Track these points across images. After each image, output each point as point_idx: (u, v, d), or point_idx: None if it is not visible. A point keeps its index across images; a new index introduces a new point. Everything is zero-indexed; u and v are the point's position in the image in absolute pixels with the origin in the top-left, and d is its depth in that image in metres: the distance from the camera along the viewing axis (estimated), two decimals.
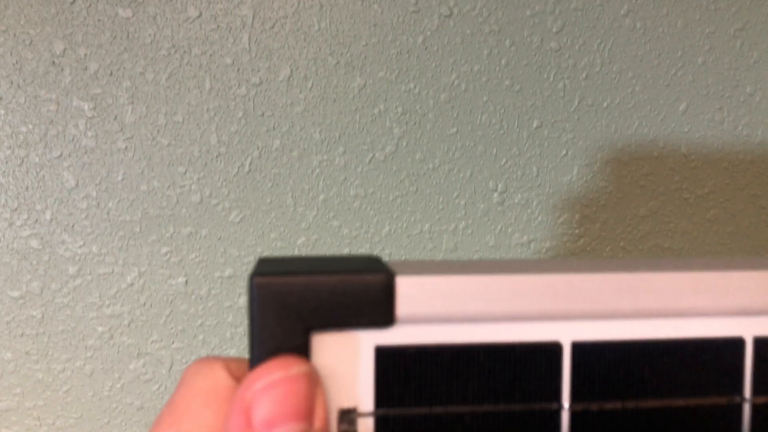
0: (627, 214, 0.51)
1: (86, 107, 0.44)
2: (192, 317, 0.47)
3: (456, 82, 0.48)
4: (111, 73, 0.44)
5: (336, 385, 0.18)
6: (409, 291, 0.18)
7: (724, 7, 0.50)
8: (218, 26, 0.45)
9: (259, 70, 0.46)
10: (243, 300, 0.47)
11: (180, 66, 0.45)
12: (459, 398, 0.18)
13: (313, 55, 0.46)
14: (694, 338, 0.19)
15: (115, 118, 0.45)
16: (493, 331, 0.18)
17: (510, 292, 0.18)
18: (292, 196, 0.47)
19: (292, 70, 0.46)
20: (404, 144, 0.48)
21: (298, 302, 0.17)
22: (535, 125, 0.49)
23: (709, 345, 0.19)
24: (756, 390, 0.19)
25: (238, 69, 0.46)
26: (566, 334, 0.19)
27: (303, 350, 0.18)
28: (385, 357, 0.18)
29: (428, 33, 0.47)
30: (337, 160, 0.47)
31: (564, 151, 0.50)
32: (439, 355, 0.18)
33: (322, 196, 0.47)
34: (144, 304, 0.46)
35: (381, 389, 0.18)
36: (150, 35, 0.44)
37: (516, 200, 0.49)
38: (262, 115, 0.46)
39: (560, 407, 0.19)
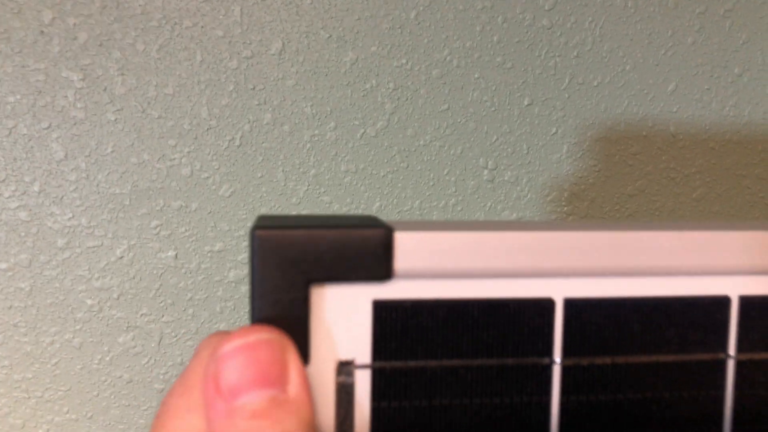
0: (615, 192, 0.52)
1: (75, 78, 0.44)
2: (182, 291, 0.47)
3: (448, 58, 0.48)
4: (101, 44, 0.44)
5: (334, 337, 0.18)
6: (407, 246, 0.18)
7: None
8: None
9: (250, 43, 0.46)
10: (233, 274, 0.47)
11: (171, 38, 0.45)
12: (454, 352, 0.19)
13: (305, 29, 0.46)
14: (682, 296, 0.20)
15: (105, 89, 0.44)
16: (488, 286, 0.19)
17: (505, 248, 0.18)
18: (282, 171, 0.47)
19: (283, 44, 0.46)
20: (396, 120, 0.48)
21: (299, 255, 0.18)
22: (526, 103, 0.49)
23: (696, 303, 0.20)
24: (740, 347, 0.20)
25: (230, 42, 0.45)
26: (559, 290, 0.19)
27: (303, 303, 0.18)
28: (382, 311, 0.18)
29: (421, 8, 0.47)
30: (329, 134, 0.47)
31: (554, 129, 0.50)
32: (435, 310, 0.19)
33: (313, 171, 0.47)
34: (133, 278, 0.46)
35: (378, 342, 0.19)
36: (140, 5, 0.44)
37: (506, 177, 0.50)
38: (254, 88, 0.46)
39: (552, 362, 0.19)
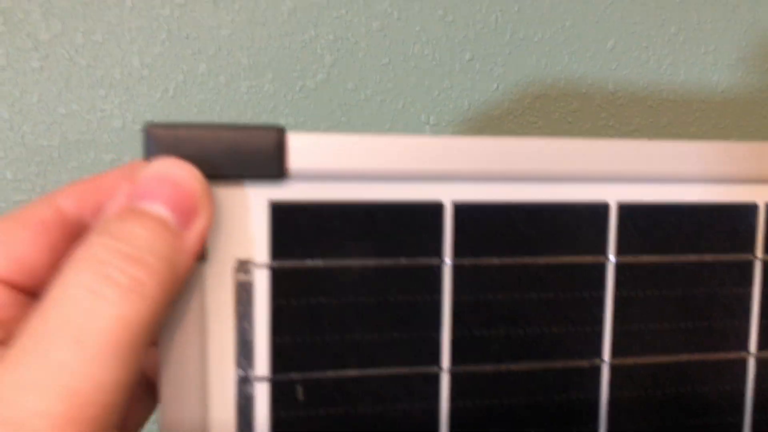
0: None
1: None
2: None
3: (389, 10, 0.47)
4: None
5: (232, 236, 0.19)
6: (300, 146, 0.19)
7: None
8: None
9: None
10: None
11: None
12: (349, 252, 0.19)
13: None
14: (564, 202, 0.20)
15: (28, 35, 0.42)
16: (381, 189, 0.19)
17: (396, 151, 0.19)
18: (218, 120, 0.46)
19: None
20: (335, 72, 0.47)
21: (191, 153, 0.18)
22: (467, 57, 0.49)
23: (577, 208, 0.20)
24: (619, 250, 0.21)
25: None
26: (448, 194, 0.20)
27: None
28: (278, 211, 0.19)
29: None
30: (266, 86, 0.46)
31: (495, 85, 0.50)
32: (331, 211, 0.19)
33: None
34: None
35: (276, 242, 0.19)
36: None
37: (447, 133, 0.50)
38: (187, 37, 0.44)
39: (442, 262, 0.20)
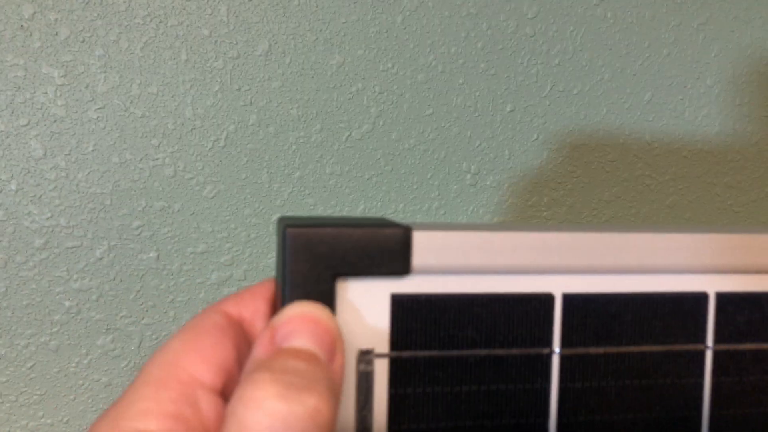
0: (593, 198, 0.53)
1: (56, 74, 0.43)
2: (163, 293, 0.46)
3: (433, 63, 0.48)
4: (83, 40, 0.43)
5: (356, 328, 0.20)
6: (424, 243, 0.20)
7: (689, 1, 0.52)
8: None
9: (236, 44, 0.45)
10: (215, 276, 0.47)
11: (155, 36, 0.44)
12: (463, 342, 0.20)
13: (292, 31, 0.46)
14: (666, 292, 0.21)
15: (87, 86, 0.44)
16: (495, 282, 0.20)
17: (511, 246, 0.20)
18: (267, 173, 0.47)
19: (270, 45, 0.46)
20: (381, 123, 0.48)
21: (327, 251, 0.19)
22: (508, 109, 0.50)
23: (677, 298, 0.21)
24: (717, 338, 0.22)
25: (215, 41, 0.45)
26: (558, 286, 0.21)
27: (329, 295, 0.19)
28: (400, 303, 0.20)
29: (407, 13, 0.47)
30: (314, 137, 0.47)
31: (535, 136, 0.51)
32: (448, 303, 0.20)
33: (297, 173, 0.47)
34: (113, 279, 0.46)
35: (396, 333, 0.20)
36: (125, 2, 0.43)
37: (488, 182, 0.50)
38: (239, 89, 0.46)
39: (551, 352, 0.21)
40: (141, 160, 0.45)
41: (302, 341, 0.18)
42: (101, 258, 0.45)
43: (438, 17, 0.48)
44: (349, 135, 0.48)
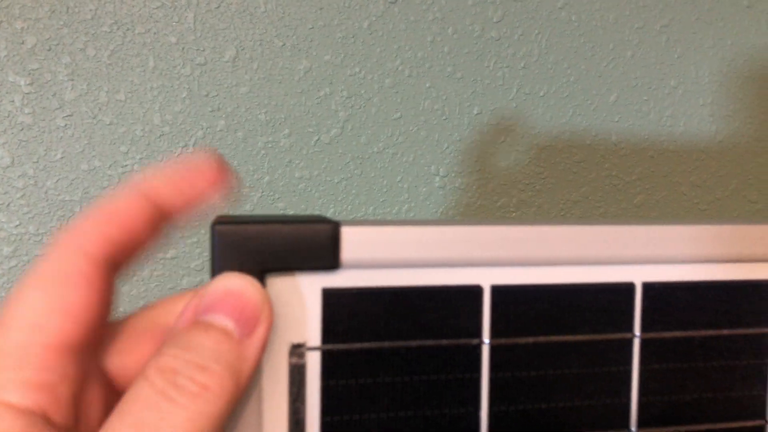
0: (560, 198, 0.54)
1: (23, 82, 0.43)
2: (134, 299, 0.47)
3: (400, 67, 0.49)
4: (49, 48, 0.43)
5: (287, 322, 0.20)
6: (352, 239, 0.20)
7: (652, 4, 0.53)
8: (163, 4, 0.45)
9: (204, 50, 0.46)
10: (186, 281, 0.47)
11: (123, 43, 0.44)
12: (395, 335, 0.21)
13: (259, 37, 0.46)
14: (593, 282, 0.22)
15: (54, 94, 0.44)
16: (425, 275, 0.21)
17: (439, 240, 0.21)
18: (236, 177, 0.47)
19: (237, 51, 0.46)
20: (349, 127, 0.49)
21: (255, 247, 0.19)
22: (475, 112, 0.51)
23: (604, 289, 0.22)
24: (645, 327, 0.22)
25: (183, 48, 0.45)
26: (487, 278, 0.21)
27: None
28: (331, 297, 0.20)
29: (373, 18, 0.48)
30: (282, 141, 0.48)
31: (502, 138, 0.52)
32: (378, 297, 0.21)
33: (267, 178, 0.48)
34: None
35: (327, 326, 0.20)
36: (91, 11, 0.44)
37: (457, 184, 0.51)
38: (207, 95, 0.46)
39: (481, 342, 0.21)
40: (110, 166, 0.45)
41: (219, 316, 0.18)
42: None
43: (404, 22, 0.48)
44: (317, 139, 0.48)
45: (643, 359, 0.22)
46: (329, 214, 0.49)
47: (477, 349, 0.21)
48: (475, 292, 0.21)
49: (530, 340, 0.22)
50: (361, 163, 0.49)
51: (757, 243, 0.22)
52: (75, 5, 0.43)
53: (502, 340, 0.21)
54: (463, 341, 0.21)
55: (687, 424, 0.23)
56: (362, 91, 0.48)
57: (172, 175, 0.20)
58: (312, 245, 0.20)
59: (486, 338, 0.21)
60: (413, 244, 0.20)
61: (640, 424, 0.22)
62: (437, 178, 0.51)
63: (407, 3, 0.48)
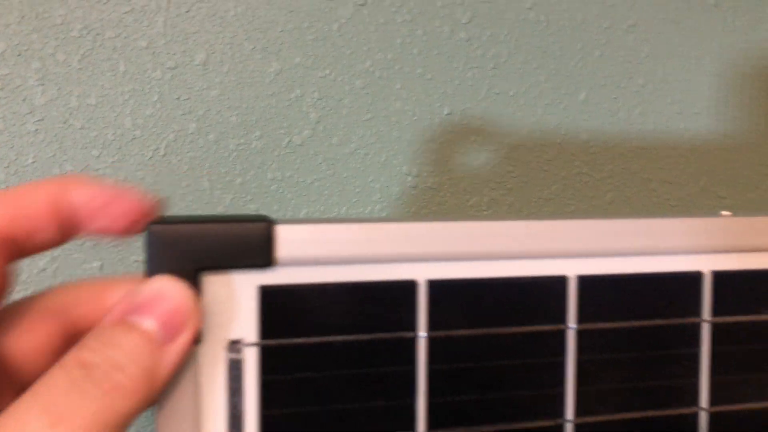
0: (532, 196, 0.54)
1: None
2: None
3: (370, 69, 0.49)
4: (19, 54, 0.44)
5: (225, 319, 0.21)
6: (287, 237, 0.21)
7: (619, 3, 0.54)
8: (132, 8, 0.45)
9: (174, 54, 0.46)
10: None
11: (93, 48, 0.45)
12: (331, 329, 0.21)
13: (229, 40, 0.47)
14: (527, 276, 0.22)
15: (24, 99, 0.44)
16: (361, 271, 0.21)
17: (373, 237, 0.21)
18: (208, 180, 0.48)
19: (207, 54, 0.47)
20: (321, 128, 0.49)
21: (188, 247, 0.20)
22: (446, 112, 0.51)
23: (538, 282, 0.23)
24: (581, 319, 0.23)
25: (153, 52, 0.46)
26: (422, 273, 0.22)
27: (193, 289, 0.20)
28: (267, 295, 0.21)
29: (343, 21, 0.48)
30: (254, 143, 0.48)
31: (473, 138, 0.52)
32: (314, 293, 0.21)
33: (239, 180, 0.48)
34: None
35: (264, 323, 0.21)
36: (61, 16, 0.44)
37: (428, 184, 0.52)
38: (178, 98, 0.46)
39: (416, 336, 0.22)
40: (82, 171, 0.45)
41: (146, 318, 0.19)
42: (44, 269, 0.46)
43: (374, 24, 0.49)
44: (289, 141, 0.49)
45: (578, 350, 0.23)
46: (302, 214, 0.50)
47: (413, 342, 0.22)
48: (410, 286, 0.22)
49: (465, 332, 0.22)
50: (333, 164, 0.50)
51: (681, 236, 0.23)
52: (44, 11, 0.44)
53: (438, 333, 0.22)
54: (399, 335, 0.22)
55: (623, 412, 0.23)
56: (333, 93, 0.49)
57: (92, 187, 0.21)
58: (246, 244, 0.20)
59: (422, 331, 0.22)
60: (348, 242, 0.21)
61: (578, 413, 0.23)
62: (409, 178, 0.51)
63: (377, 5, 0.49)
